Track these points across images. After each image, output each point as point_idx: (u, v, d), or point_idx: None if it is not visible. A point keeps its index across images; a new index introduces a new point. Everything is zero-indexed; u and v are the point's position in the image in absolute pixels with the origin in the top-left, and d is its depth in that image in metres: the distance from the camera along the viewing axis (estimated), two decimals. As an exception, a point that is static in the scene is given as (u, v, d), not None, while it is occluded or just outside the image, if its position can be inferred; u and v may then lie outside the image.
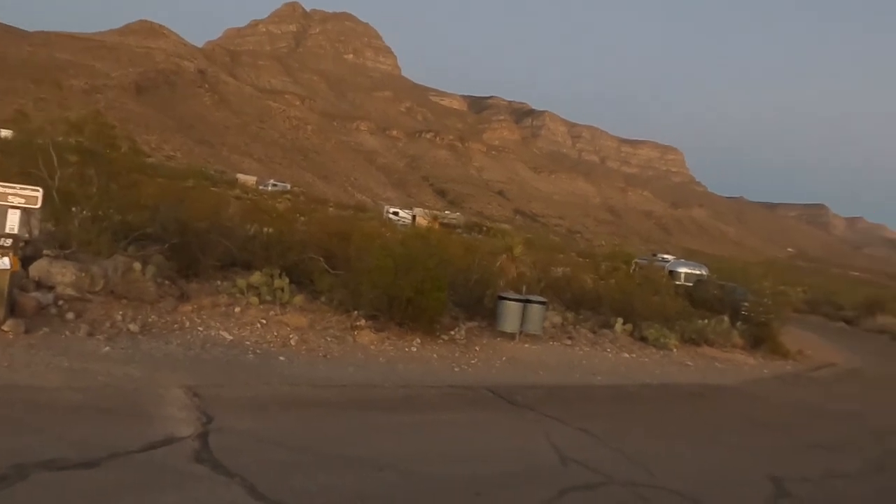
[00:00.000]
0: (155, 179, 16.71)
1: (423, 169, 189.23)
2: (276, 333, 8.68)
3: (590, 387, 9.42)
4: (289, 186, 73.46)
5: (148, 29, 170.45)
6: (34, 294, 7.85)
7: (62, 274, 8.41)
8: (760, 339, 15.92)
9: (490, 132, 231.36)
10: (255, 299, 9.80)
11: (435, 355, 9.36)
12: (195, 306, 9.12)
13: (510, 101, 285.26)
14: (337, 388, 7.10)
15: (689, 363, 12.71)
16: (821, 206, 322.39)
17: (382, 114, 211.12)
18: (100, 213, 10.31)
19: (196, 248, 10.86)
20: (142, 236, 10.68)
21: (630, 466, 5.84)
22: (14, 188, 7.16)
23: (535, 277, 16.22)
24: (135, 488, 3.95)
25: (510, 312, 11.45)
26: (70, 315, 7.74)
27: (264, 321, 9.08)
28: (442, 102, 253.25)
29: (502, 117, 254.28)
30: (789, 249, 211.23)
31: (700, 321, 15.62)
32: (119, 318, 8.03)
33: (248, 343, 8.14)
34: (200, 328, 8.33)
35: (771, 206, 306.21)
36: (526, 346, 11.12)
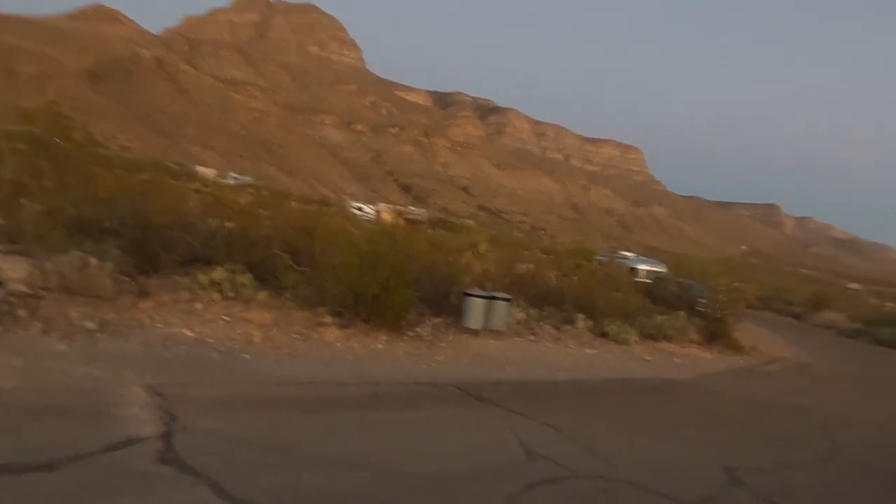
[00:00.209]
0: (113, 171, 16.17)
1: (387, 164, 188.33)
2: (239, 331, 8.55)
3: (554, 382, 9.60)
4: (251, 180, 72.05)
5: (103, 14, 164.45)
6: (-17, 290, 7.53)
7: (13, 269, 8.08)
8: (716, 334, 16.48)
9: (455, 128, 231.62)
10: (217, 296, 9.63)
11: (401, 352, 9.38)
12: (155, 303, 8.91)
13: (475, 98, 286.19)
14: (304, 386, 7.06)
15: (648, 358, 13.06)
16: (773, 206, 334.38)
17: (347, 107, 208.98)
18: (54, 206, 9.94)
19: (156, 243, 10.59)
20: (99, 231, 10.35)
21: (593, 460, 5.99)
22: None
23: (500, 274, 16.39)
24: (98, 491, 3.86)
25: (475, 309, 11.56)
26: (22, 312, 7.45)
27: (227, 318, 8.94)
28: (407, 97, 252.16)
29: (467, 114, 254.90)
30: (743, 247, 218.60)
31: (659, 317, 16.05)
32: (75, 315, 7.77)
33: (210, 341, 7.99)
34: (161, 325, 8.14)
35: (726, 206, 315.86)
36: (491, 342, 11.24)
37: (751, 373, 14.10)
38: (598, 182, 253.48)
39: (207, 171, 70.58)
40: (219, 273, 10.04)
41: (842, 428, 9.76)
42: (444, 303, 12.48)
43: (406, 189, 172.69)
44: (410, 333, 10.42)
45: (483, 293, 11.87)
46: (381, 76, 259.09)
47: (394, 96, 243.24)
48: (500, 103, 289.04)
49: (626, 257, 32.90)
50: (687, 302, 19.49)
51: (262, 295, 10.08)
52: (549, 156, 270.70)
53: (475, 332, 11.43)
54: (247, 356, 7.70)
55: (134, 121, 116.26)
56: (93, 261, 8.97)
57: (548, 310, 15.03)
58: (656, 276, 25.77)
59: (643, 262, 30.21)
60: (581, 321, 14.07)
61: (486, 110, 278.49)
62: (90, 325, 7.60)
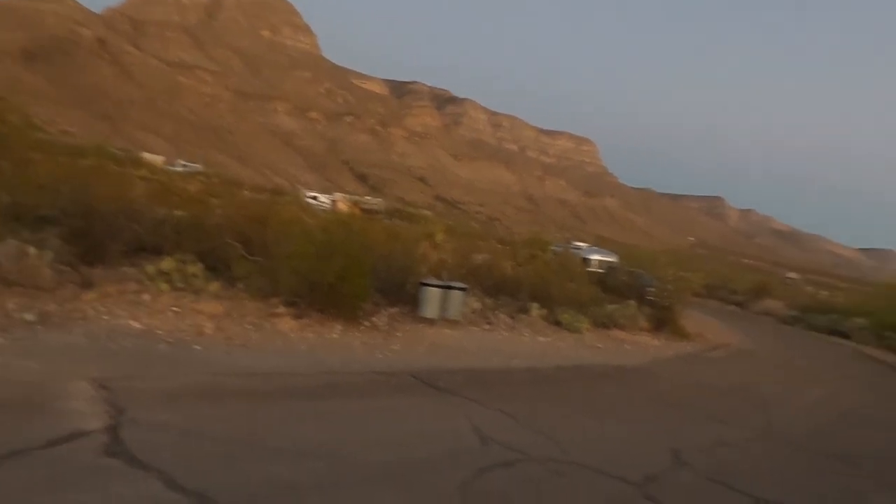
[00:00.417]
0: (52, 157, 15.41)
1: (343, 153, 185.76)
2: (190, 322, 8.34)
3: (508, 370, 9.76)
4: (201, 167, 69.88)
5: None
6: (-90, 281, 7.10)
7: (-56, 259, 7.65)
8: (664, 322, 17.08)
9: (412, 118, 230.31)
10: (166, 286, 9.36)
11: (357, 342, 9.35)
12: (100, 294, 8.58)
13: (432, 88, 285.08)
14: (257, 377, 6.96)
15: (599, 346, 13.43)
16: (718, 199, 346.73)
17: (301, 95, 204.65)
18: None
19: (100, 232, 10.18)
20: (37, 219, 9.88)
21: (545, 444, 6.15)
22: None
23: (457, 264, 16.49)
24: (42, 486, 3.73)
25: (432, 298, 11.62)
26: (-46, 304, 7.07)
27: (177, 309, 8.70)
28: (363, 85, 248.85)
29: (424, 103, 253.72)
30: (691, 238, 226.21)
31: (610, 306, 16.52)
32: (12, 307, 7.42)
33: (159, 332, 7.77)
34: (106, 317, 7.86)
35: (675, 198, 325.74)
36: (447, 331, 11.33)
37: (696, 358, 14.69)
38: (552, 173, 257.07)
39: (155, 158, 68.05)
40: (168, 263, 9.75)
41: (777, 408, 10.32)
42: (401, 292, 12.48)
43: (362, 179, 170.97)
44: (366, 323, 10.40)
45: (439, 283, 11.94)
46: (337, 63, 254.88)
47: (350, 84, 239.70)
48: (457, 94, 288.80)
49: (579, 248, 33.59)
50: (637, 291, 20.10)
51: (214, 285, 9.85)
52: (506, 147, 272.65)
53: (431, 322, 11.49)
54: (198, 347, 7.53)
55: (74, 104, 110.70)
56: (31, 250, 8.57)
57: (503, 299, 15.23)
58: (608, 266, 26.44)
59: (596, 252, 30.92)
60: (535, 310, 14.33)
61: (443, 100, 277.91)
62: (29, 317, 7.27)
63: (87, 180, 11.86)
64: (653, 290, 19.70)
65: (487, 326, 12.68)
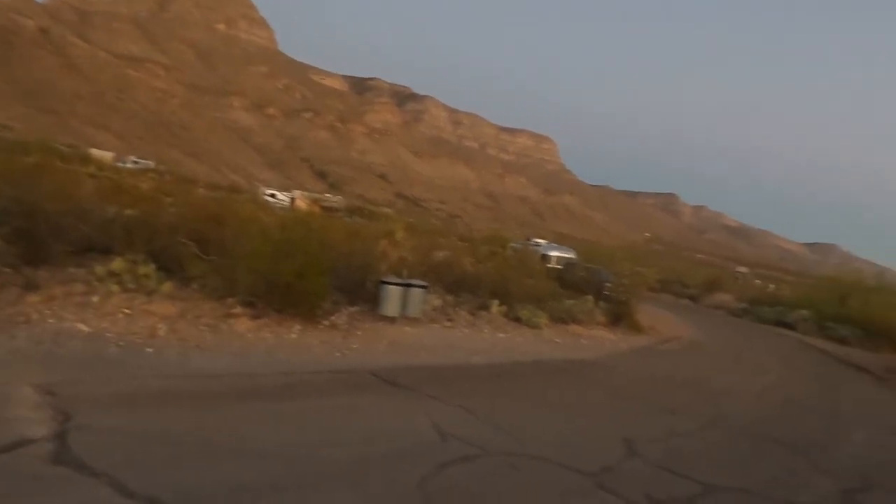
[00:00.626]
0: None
1: (302, 150, 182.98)
2: (141, 324, 8.12)
3: (468, 366, 9.86)
4: (153, 164, 67.79)
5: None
6: None
7: None
8: (620, 316, 17.51)
9: (372, 114, 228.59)
10: (116, 287, 9.07)
11: (316, 341, 9.28)
12: (45, 297, 8.26)
13: (392, 84, 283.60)
14: (213, 379, 6.84)
15: (557, 341, 13.68)
16: (673, 196, 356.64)
17: (258, 90, 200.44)
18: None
19: (44, 232, 9.78)
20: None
21: (503, 438, 6.26)
22: None
23: (417, 261, 16.52)
24: (-18, 497, 3.60)
25: (392, 297, 11.62)
26: None
27: (128, 311, 8.46)
28: (322, 81, 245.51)
29: (384, 100, 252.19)
30: (646, 234, 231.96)
31: (568, 301, 16.83)
32: (-50, 311, 7.09)
33: (109, 335, 7.55)
34: (52, 320, 7.59)
35: (632, 195, 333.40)
36: (407, 329, 11.35)
37: (650, 351, 15.12)
38: (512, 171, 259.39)
39: (104, 154, 65.71)
40: (118, 263, 9.46)
41: (726, 398, 10.73)
42: (361, 291, 12.43)
43: (322, 176, 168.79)
44: (325, 322, 10.32)
45: (399, 281, 11.94)
46: (295, 59, 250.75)
47: (308, 80, 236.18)
48: (418, 91, 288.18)
49: (538, 244, 34.10)
50: (594, 286, 20.53)
51: (167, 286, 9.60)
52: (466, 144, 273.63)
53: (391, 320, 11.49)
54: (150, 350, 7.35)
55: (16, 98, 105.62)
56: (-31, 251, 8.19)
57: (464, 296, 15.34)
58: (567, 263, 26.93)
59: (555, 248, 31.45)
60: (495, 307, 14.48)
61: (403, 97, 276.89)
62: (-32, 321, 6.96)
63: (31, 178, 11.37)
64: (610, 285, 20.17)
65: (448, 323, 12.75)
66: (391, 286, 11.69)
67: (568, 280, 21.48)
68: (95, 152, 64.91)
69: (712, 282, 44.94)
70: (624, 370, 11.95)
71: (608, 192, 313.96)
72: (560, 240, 50.30)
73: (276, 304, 9.75)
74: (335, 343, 9.41)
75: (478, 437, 6.07)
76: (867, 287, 31.34)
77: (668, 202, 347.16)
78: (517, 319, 14.33)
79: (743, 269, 79.18)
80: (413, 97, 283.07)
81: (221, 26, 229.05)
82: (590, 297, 18.06)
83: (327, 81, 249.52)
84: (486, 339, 12.29)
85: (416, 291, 12.02)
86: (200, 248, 10.88)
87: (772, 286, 60.32)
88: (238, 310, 9.47)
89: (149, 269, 9.59)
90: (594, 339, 14.88)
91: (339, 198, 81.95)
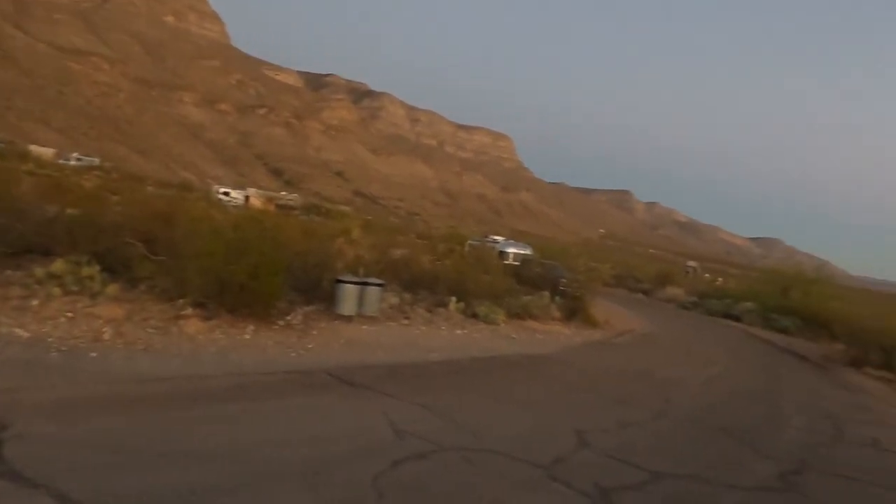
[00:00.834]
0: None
1: (256, 147, 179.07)
2: (85, 327, 7.84)
3: (425, 363, 9.88)
4: (98, 161, 65.25)
5: None
6: None
7: None
8: (575, 311, 17.86)
9: (328, 111, 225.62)
10: (57, 290, 8.72)
11: (270, 341, 9.14)
12: (-20, 300, 7.88)
13: (348, 81, 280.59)
14: (162, 382, 6.66)
15: (514, 336, 13.86)
16: (626, 192, 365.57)
17: (210, 85, 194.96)
18: None
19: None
20: None
21: (459, 433, 6.32)
22: None
23: (374, 259, 16.45)
24: None
25: (348, 295, 11.55)
26: None
27: (70, 314, 8.15)
28: (277, 77, 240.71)
29: (340, 97, 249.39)
30: (601, 230, 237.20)
31: (525, 297, 17.08)
32: None
33: (50, 340, 7.25)
34: (-13, 325, 7.24)
35: (587, 192, 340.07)
36: (364, 327, 11.30)
37: (604, 345, 15.48)
38: (470, 168, 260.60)
39: (44, 151, 62.83)
40: (59, 265, 9.09)
41: (675, 389, 11.11)
42: (317, 290, 12.30)
43: (277, 173, 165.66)
44: (280, 322, 10.18)
45: (355, 279, 11.87)
46: (248, 54, 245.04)
47: (262, 75, 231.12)
48: (375, 87, 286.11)
49: (496, 241, 34.37)
50: (551, 282, 20.88)
51: (113, 288, 9.29)
52: (424, 142, 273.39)
53: (348, 319, 11.42)
54: (94, 354, 7.09)
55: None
56: None
57: (421, 293, 15.36)
58: (523, 259, 27.26)
59: (512, 245, 31.77)
60: (453, 304, 14.56)
61: (359, 94, 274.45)
62: None
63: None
64: (565, 280, 20.56)
65: (405, 321, 12.75)
66: (347, 285, 11.61)
67: (525, 276, 21.77)
68: (35, 149, 61.93)
69: (664, 276, 46.34)
70: (578, 364, 12.20)
71: (564, 189, 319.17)
72: (517, 236, 50.87)
73: (228, 305, 9.56)
74: (290, 343, 9.29)
75: (433, 434, 6.11)
76: (807, 279, 32.91)
77: (621, 199, 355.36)
78: (474, 316, 14.45)
79: (693, 264, 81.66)
80: (370, 94, 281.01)
81: (170, 19, 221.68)
82: (546, 293, 18.36)
83: (282, 77, 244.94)
84: (444, 336, 12.35)
85: (372, 290, 11.98)
86: (149, 249, 10.55)
87: (720, 280, 62.62)
88: (189, 311, 9.24)
89: (93, 270, 9.25)
90: (550, 334, 15.13)
91: (295, 196, 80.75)
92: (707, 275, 73.47)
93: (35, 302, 8.28)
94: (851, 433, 10.04)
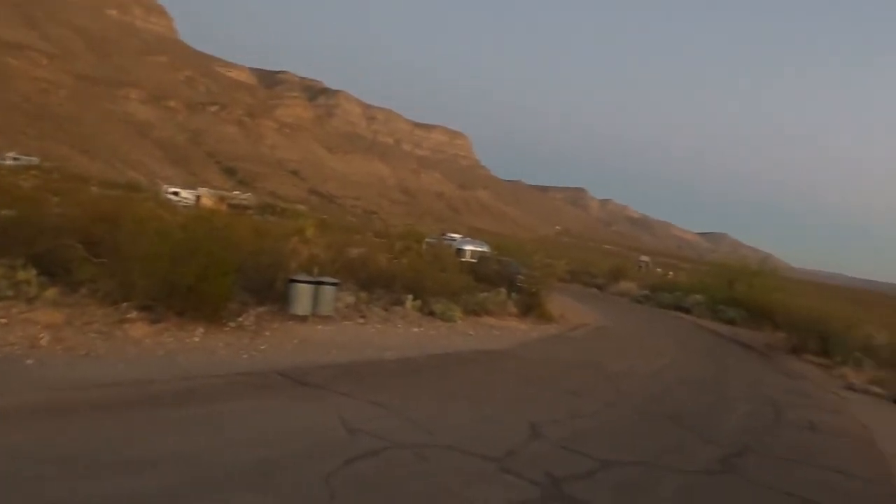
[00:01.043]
0: None
1: (207, 145, 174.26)
2: (20, 333, 7.48)
3: (380, 361, 9.85)
4: (37, 161, 62.30)
5: None
6: None
7: None
8: (531, 306, 18.11)
9: (283, 109, 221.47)
10: (-10, 295, 8.30)
11: (221, 344, 8.94)
12: None
13: (303, 78, 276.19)
14: (103, 388, 6.42)
15: (471, 333, 13.96)
16: (581, 190, 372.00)
17: (157, 82, 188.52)
18: None
19: None
20: None
21: (413, 430, 6.33)
22: None
23: (330, 259, 16.27)
24: None
25: (302, 295, 11.40)
26: None
27: (4, 320, 7.77)
28: (228, 74, 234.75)
29: (295, 94, 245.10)
30: (557, 227, 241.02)
31: (482, 294, 17.21)
32: None
33: (-19, 347, 6.90)
34: (-88, 334, 6.84)
35: (543, 189, 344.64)
36: (319, 327, 11.18)
37: (558, 339, 15.76)
38: (427, 166, 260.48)
39: (-22, 150, 59.66)
40: (-8, 269, 8.65)
41: (626, 380, 11.42)
42: (270, 290, 12.09)
43: (230, 172, 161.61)
44: (232, 324, 9.96)
45: (310, 278, 11.72)
46: (198, 49, 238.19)
47: (213, 72, 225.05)
48: (330, 85, 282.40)
49: (453, 239, 34.47)
50: (507, 278, 21.12)
51: (51, 292, 8.90)
52: (380, 140, 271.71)
53: (302, 319, 11.27)
54: (30, 361, 6.78)
55: None
56: None
57: (378, 292, 15.28)
58: (480, 256, 27.44)
59: (469, 242, 31.92)
60: (410, 302, 14.55)
61: (315, 91, 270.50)
62: None
63: None
64: (521, 277, 20.81)
65: (361, 320, 12.67)
66: (301, 284, 11.46)
67: (481, 273, 21.93)
68: (-32, 148, 58.77)
69: (617, 271, 47.43)
70: (533, 358, 12.39)
71: (520, 186, 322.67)
72: (474, 234, 51.14)
73: (176, 308, 9.30)
74: (242, 345, 9.11)
75: (387, 431, 6.10)
76: (751, 272, 34.25)
77: (577, 196, 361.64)
78: (431, 313, 14.48)
79: (645, 259, 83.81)
80: (325, 91, 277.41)
81: (114, 12, 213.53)
82: (502, 290, 18.55)
83: (234, 74, 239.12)
84: (400, 334, 12.34)
85: (327, 289, 11.85)
86: (92, 251, 10.15)
87: (671, 273, 64.53)
88: (134, 314, 8.95)
89: (29, 274, 8.85)
90: (506, 330, 15.30)
91: (249, 195, 78.92)
92: (659, 269, 75.53)
93: (-34, 308, 7.86)
94: (790, 417, 10.54)
